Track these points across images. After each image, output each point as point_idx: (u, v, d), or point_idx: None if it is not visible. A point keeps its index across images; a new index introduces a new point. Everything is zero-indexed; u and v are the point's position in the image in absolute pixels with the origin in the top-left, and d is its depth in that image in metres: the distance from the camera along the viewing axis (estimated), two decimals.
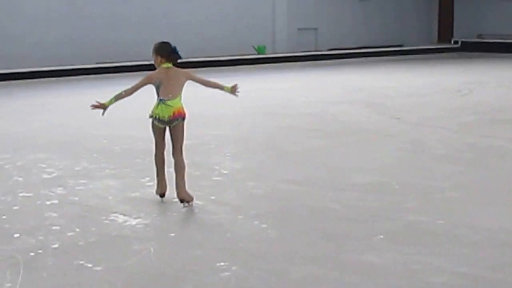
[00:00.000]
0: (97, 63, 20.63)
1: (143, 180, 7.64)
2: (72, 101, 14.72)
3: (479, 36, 28.78)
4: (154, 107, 6.94)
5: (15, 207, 6.75)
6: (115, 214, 6.41)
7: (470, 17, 29.21)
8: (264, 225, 6.05)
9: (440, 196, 6.92)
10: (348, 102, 14.19)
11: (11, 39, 19.93)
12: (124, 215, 6.39)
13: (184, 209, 6.55)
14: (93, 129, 11.00)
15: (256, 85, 17.94)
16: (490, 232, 5.79)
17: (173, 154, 6.92)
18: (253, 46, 24.08)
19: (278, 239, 5.74)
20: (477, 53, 27.07)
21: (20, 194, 7.19)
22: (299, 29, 26.11)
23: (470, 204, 6.66)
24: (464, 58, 26.32)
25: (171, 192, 6.86)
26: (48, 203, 6.85)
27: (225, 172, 8.07)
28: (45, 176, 7.99)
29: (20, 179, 7.87)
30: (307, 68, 22.59)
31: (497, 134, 10.34)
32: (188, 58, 21.64)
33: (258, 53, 24.12)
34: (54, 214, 6.46)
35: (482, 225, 5.94)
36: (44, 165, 8.49)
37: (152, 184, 7.24)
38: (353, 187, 7.29)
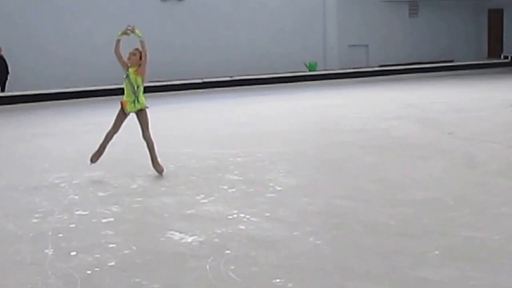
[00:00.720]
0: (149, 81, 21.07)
1: (198, 197, 7.72)
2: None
3: None
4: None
5: (71, 225, 6.86)
6: (171, 232, 6.48)
7: None
8: (319, 242, 6.06)
9: (495, 212, 6.85)
10: (399, 117, 14.12)
11: (65, 62, 20.45)
12: (180, 232, 6.45)
13: (239, 226, 6.58)
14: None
15: (309, 101, 18.02)
16: None
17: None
18: (305, 64, 24.21)
19: (333, 255, 5.75)
20: None
21: (77, 212, 7.32)
22: (350, 45, 26.20)
23: None
24: None
25: (225, 209, 6.92)
26: (104, 221, 6.96)
27: (279, 188, 8.11)
28: (101, 194, 8.14)
29: (76, 197, 8.04)
30: (358, 85, 22.61)
31: None
32: (242, 76, 22.19)
33: (310, 70, 24.22)
34: (110, 232, 6.55)
35: None
36: (99, 183, 8.67)
37: (207, 201, 7.30)
38: (408, 203, 7.27)
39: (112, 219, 7.02)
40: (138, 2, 21.98)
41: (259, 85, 21.99)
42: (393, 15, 27.42)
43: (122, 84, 8.92)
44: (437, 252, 5.66)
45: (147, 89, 19.93)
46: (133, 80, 8.82)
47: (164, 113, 16.26)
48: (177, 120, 14.97)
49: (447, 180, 8.34)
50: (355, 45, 26.42)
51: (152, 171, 9.14)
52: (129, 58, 8.83)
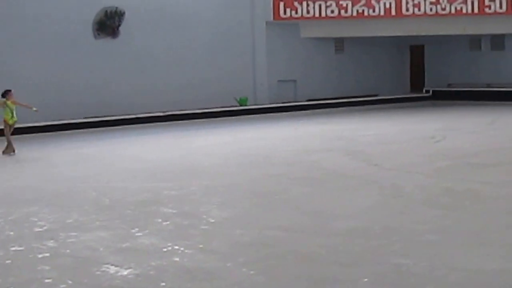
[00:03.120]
0: (85, 117, 21.18)
1: (132, 230, 7.78)
2: (63, 155, 15.05)
3: (449, 85, 29.57)
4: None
5: (7, 261, 6.81)
6: (107, 265, 6.50)
7: (440, 67, 30.05)
8: (252, 272, 6.19)
9: (421, 239, 7.12)
10: (328, 150, 14.48)
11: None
12: (116, 266, 6.48)
13: (174, 258, 6.67)
14: (82, 182, 11.19)
15: (240, 135, 18.30)
16: (469, 272, 6.02)
17: None
18: (235, 99, 24.58)
19: (267, 285, 5.89)
20: (448, 101, 27.78)
21: (12, 248, 7.26)
22: (279, 81, 26.80)
23: (450, 246, 6.87)
24: (436, 106, 27.07)
25: (160, 241, 7.01)
26: (40, 256, 6.93)
27: (213, 220, 8.23)
28: (37, 229, 8.10)
29: (12, 233, 7.97)
30: (287, 119, 23.06)
31: (472, 178, 10.67)
32: (175, 111, 22.41)
33: (241, 105, 24.59)
34: (47, 267, 6.53)
35: (462, 266, 6.16)
36: (35, 219, 8.61)
37: (142, 234, 7.38)
38: (338, 232, 7.48)
39: (48, 254, 7.00)
40: (70, 39, 21.88)
41: (192, 120, 22.28)
42: (319, 51, 28.11)
43: None
44: (366, 280, 5.85)
45: (80, 126, 20.17)
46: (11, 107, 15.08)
47: (97, 148, 16.25)
48: (111, 155, 14.98)
49: (375, 210, 8.61)
50: (283, 80, 27.00)
51: (88, 205, 9.19)
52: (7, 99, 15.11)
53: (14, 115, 15.10)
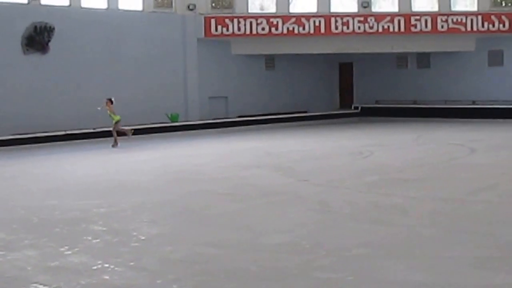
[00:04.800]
0: (13, 133, 20.85)
1: (61, 249, 7.71)
2: None
3: (377, 101, 30.28)
4: None
5: None
6: (35, 284, 6.44)
7: (369, 84, 30.76)
8: None
9: (348, 254, 7.29)
10: (258, 166, 14.63)
11: None
12: (44, 285, 6.42)
13: (104, 276, 6.66)
14: (10, 199, 11.02)
15: (170, 152, 18.32)
16: (395, 285, 6.19)
17: None
18: (167, 115, 24.58)
19: None
20: (375, 118, 28.45)
21: None
22: (210, 97, 26.93)
23: (376, 259, 7.05)
24: (364, 122, 27.68)
25: (89, 260, 6.99)
26: None
27: (143, 238, 8.23)
28: None
29: None
30: (218, 135, 23.19)
31: (398, 192, 10.95)
32: (105, 128, 22.20)
33: (172, 121, 24.61)
34: None
35: (388, 279, 6.34)
36: None
37: (71, 252, 7.33)
38: (267, 248, 7.59)
39: None
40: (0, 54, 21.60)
41: (123, 136, 22.00)
42: (250, 68, 28.40)
43: None
44: None
45: (8, 143, 19.85)
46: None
47: (26, 165, 16.02)
48: (40, 172, 14.79)
49: (304, 225, 8.74)
50: (215, 97, 27.15)
51: (16, 224, 9.06)
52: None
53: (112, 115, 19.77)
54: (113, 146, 19.84)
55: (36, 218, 9.52)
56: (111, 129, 20.10)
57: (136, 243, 8.01)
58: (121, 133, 20.12)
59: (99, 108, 20.14)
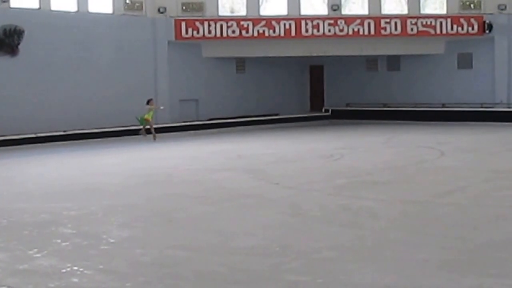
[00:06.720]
0: None
1: (30, 252, 7.67)
2: None
3: (348, 104, 30.45)
4: None
5: None
6: (4, 287, 6.41)
7: (339, 87, 30.90)
8: None
9: (318, 256, 7.33)
10: (228, 169, 14.65)
11: None
12: None
13: (73, 279, 6.63)
14: None
15: (140, 154, 18.24)
16: (363, 287, 6.25)
17: None
18: (136, 118, 24.46)
19: None
20: (346, 120, 28.62)
21: None
22: (181, 100, 26.89)
23: (346, 262, 7.10)
24: (335, 125, 27.82)
25: (59, 263, 6.95)
26: None
27: (113, 240, 8.21)
28: None
29: None
30: (189, 138, 23.17)
31: (367, 195, 11.02)
32: (76, 130, 22.13)
33: (141, 124, 24.44)
34: None
35: (356, 282, 6.39)
36: None
37: (40, 255, 7.29)
38: (237, 251, 7.61)
39: None
40: None
41: (92, 139, 22.07)
42: (221, 71, 28.40)
43: None
44: None
45: None
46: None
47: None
48: (9, 175, 14.67)
49: (274, 228, 8.78)
50: (185, 100, 27.13)
51: None
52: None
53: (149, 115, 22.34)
54: (154, 139, 22.09)
55: (5, 221, 9.47)
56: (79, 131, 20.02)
57: (106, 246, 7.98)
58: (148, 131, 22.35)
59: (161, 107, 23.55)
